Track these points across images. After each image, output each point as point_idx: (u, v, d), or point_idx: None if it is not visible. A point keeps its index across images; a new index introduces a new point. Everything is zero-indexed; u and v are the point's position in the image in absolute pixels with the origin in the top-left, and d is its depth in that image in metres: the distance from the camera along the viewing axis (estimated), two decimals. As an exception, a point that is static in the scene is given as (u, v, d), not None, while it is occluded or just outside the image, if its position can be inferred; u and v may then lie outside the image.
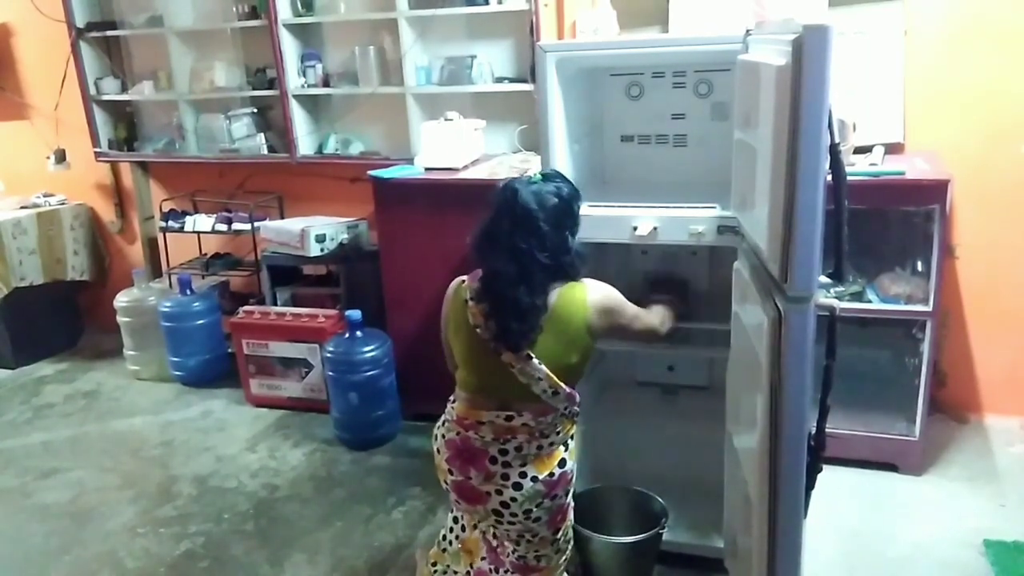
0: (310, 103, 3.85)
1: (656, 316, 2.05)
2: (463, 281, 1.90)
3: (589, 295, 1.82)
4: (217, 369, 3.94)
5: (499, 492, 1.81)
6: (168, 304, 3.87)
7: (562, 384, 1.80)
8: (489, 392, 1.83)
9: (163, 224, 4.13)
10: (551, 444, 1.83)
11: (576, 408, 1.88)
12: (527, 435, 1.80)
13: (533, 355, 1.77)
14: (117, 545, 2.72)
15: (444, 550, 2.11)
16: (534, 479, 1.81)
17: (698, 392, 2.76)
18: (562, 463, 1.85)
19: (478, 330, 1.81)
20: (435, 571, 2.11)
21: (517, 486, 1.80)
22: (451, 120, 3.28)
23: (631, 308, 1.94)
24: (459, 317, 1.87)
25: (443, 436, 1.89)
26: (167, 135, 4.23)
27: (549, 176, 1.88)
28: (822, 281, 1.49)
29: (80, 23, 4.07)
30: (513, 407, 1.80)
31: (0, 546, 2.76)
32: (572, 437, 1.92)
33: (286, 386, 3.61)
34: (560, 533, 1.94)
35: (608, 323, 1.86)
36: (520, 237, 1.75)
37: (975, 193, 2.97)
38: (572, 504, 1.99)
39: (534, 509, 1.83)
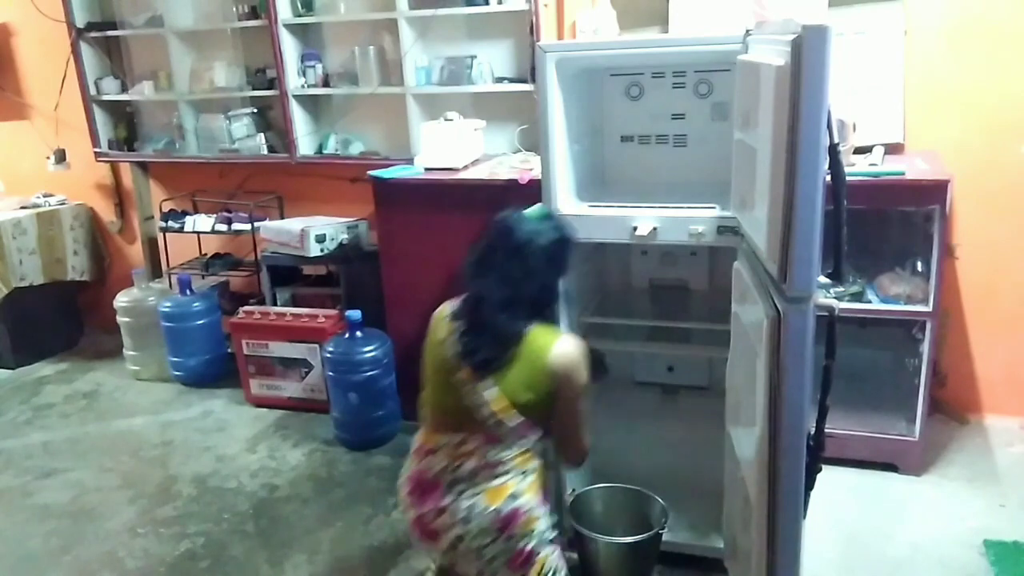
0: (310, 103, 3.85)
1: (588, 433, 1.89)
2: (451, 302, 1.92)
3: (561, 342, 1.78)
4: (217, 369, 3.94)
5: (451, 528, 1.78)
6: (168, 304, 3.87)
7: (507, 417, 1.75)
8: (446, 411, 1.83)
9: (163, 224, 4.13)
10: (505, 473, 1.78)
11: (532, 444, 1.81)
12: (477, 461, 1.78)
13: (488, 379, 1.75)
14: (117, 545, 2.72)
15: None
16: (483, 510, 1.76)
17: (698, 392, 2.76)
18: (513, 497, 1.77)
19: (446, 345, 1.82)
20: None
21: (465, 520, 1.77)
22: (451, 120, 3.28)
23: (582, 396, 1.82)
24: (436, 334, 1.88)
25: (406, 472, 1.89)
26: (167, 135, 4.23)
27: (547, 215, 1.90)
28: (821, 281, 1.49)
29: (80, 23, 4.07)
30: (465, 429, 1.79)
31: (0, 546, 2.76)
32: (532, 472, 1.82)
33: (286, 386, 3.61)
34: None
35: (561, 380, 1.76)
36: (512, 267, 1.78)
37: (975, 193, 2.97)
38: (551, 553, 1.85)
39: (487, 547, 1.76)
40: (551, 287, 1.86)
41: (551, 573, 1.84)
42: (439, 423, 1.85)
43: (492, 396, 1.75)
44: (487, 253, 1.82)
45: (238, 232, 3.99)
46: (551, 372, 1.76)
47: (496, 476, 1.78)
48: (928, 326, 2.68)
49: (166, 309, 3.85)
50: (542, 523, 1.83)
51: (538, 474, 1.85)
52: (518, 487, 1.79)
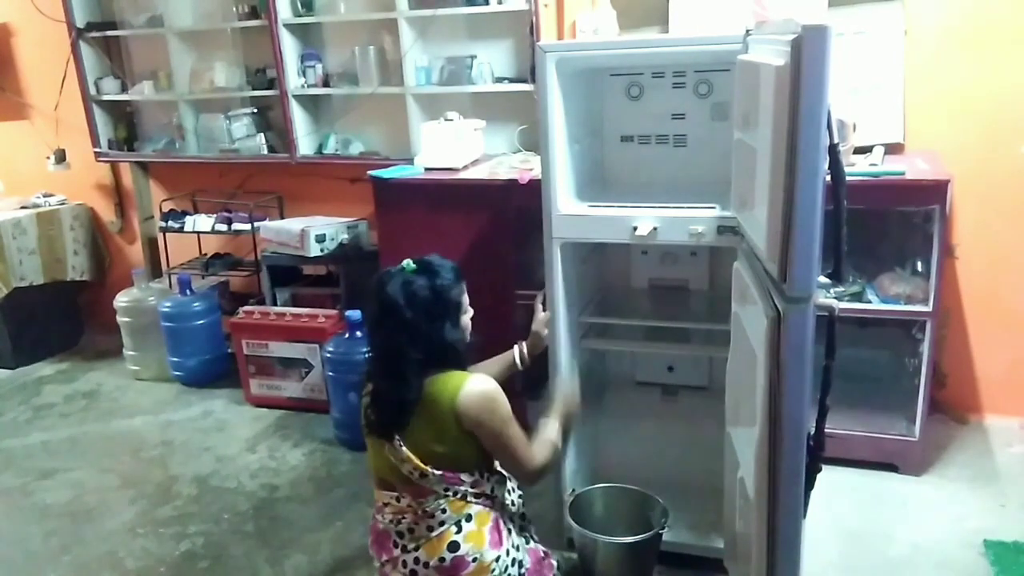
0: (310, 103, 3.85)
1: (538, 450, 1.85)
2: None
3: (465, 387, 1.74)
4: (217, 369, 3.94)
5: None
6: (168, 304, 3.87)
7: (428, 468, 1.75)
8: (379, 471, 1.86)
9: (163, 224, 4.14)
10: (441, 524, 1.78)
11: (465, 489, 1.79)
12: (413, 515, 1.79)
13: (400, 438, 1.76)
14: (117, 545, 2.72)
15: None
16: (426, 564, 1.77)
17: (698, 392, 2.76)
18: (453, 546, 1.77)
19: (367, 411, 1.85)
20: None
21: (413, 573, 1.78)
22: (451, 120, 3.27)
23: (508, 425, 1.78)
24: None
25: (370, 522, 1.93)
26: (167, 135, 4.23)
27: (425, 265, 1.81)
28: (821, 281, 1.49)
29: (80, 23, 4.07)
30: (396, 488, 1.81)
31: (0, 546, 2.76)
32: (473, 518, 1.81)
33: (286, 386, 3.61)
34: None
35: (476, 421, 1.75)
36: (387, 331, 1.76)
37: (975, 193, 2.97)
38: None
39: None
40: (441, 337, 1.78)
41: None
42: (378, 482, 1.87)
43: (406, 453, 1.75)
44: (369, 317, 1.82)
45: (238, 232, 3.99)
46: (460, 419, 1.74)
47: (433, 528, 1.78)
48: (928, 326, 2.68)
49: (166, 309, 3.85)
50: (499, 565, 1.80)
51: (480, 518, 1.81)
52: (457, 536, 1.78)
